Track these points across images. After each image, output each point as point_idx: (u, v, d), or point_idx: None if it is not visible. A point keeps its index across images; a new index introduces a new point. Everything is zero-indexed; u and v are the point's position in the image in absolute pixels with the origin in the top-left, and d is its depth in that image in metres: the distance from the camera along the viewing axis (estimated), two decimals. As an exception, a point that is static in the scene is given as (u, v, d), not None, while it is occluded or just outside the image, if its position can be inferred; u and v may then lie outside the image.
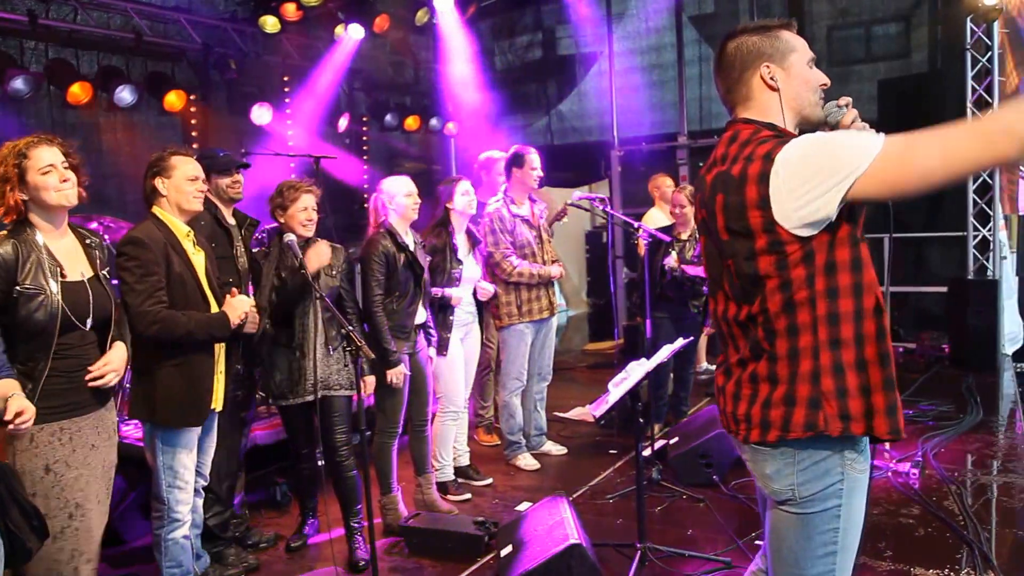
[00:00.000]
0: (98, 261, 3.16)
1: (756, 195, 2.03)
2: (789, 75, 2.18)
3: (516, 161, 5.63)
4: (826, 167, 1.94)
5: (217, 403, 3.65)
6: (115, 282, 3.28)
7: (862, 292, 2.06)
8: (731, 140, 2.19)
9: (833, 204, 1.95)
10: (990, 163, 1.94)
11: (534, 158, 5.60)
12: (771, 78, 2.18)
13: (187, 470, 3.51)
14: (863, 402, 2.06)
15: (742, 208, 2.06)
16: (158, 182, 3.51)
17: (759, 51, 2.19)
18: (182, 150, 3.64)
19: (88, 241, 3.17)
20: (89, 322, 3.02)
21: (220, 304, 3.58)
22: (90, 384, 3.02)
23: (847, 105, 2.21)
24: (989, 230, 8.29)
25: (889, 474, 5.11)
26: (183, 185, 3.52)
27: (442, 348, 5.06)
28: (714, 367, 8.12)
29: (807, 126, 2.23)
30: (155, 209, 3.53)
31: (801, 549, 2.18)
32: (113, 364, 3.09)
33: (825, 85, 2.21)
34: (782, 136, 2.12)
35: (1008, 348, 8.18)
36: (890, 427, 2.06)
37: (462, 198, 5.07)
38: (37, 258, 2.92)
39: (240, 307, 3.57)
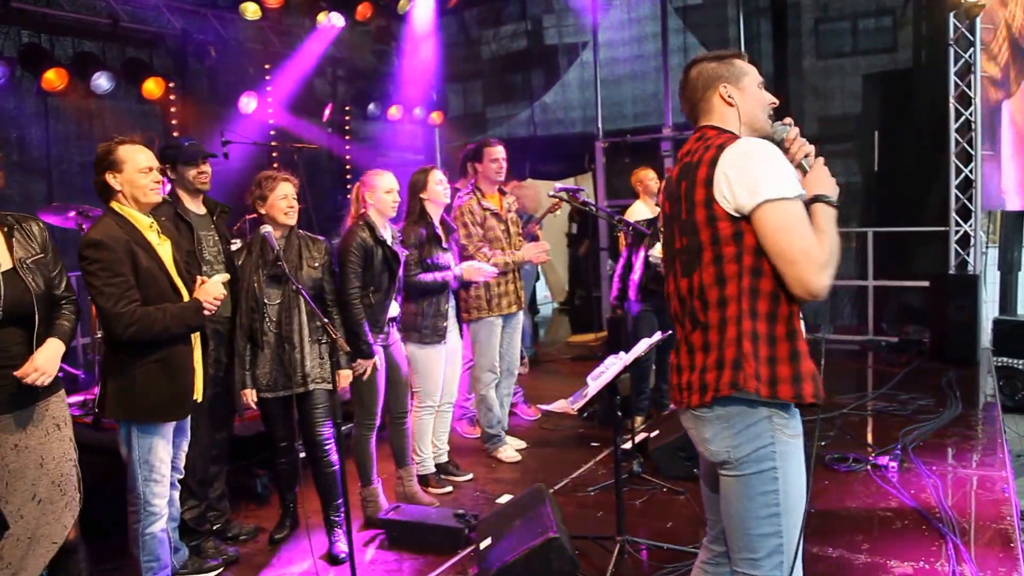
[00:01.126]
0: (21, 248, 3.05)
1: (704, 175, 2.37)
2: (744, 94, 2.54)
3: (474, 155, 5.60)
4: (749, 180, 2.27)
5: (198, 394, 3.60)
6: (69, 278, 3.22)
7: (777, 277, 2.31)
8: (698, 139, 2.52)
9: (744, 211, 2.29)
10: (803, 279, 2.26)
11: (494, 150, 5.53)
12: (729, 96, 2.53)
13: (163, 463, 3.47)
14: (769, 370, 2.32)
15: (693, 187, 2.40)
16: (109, 178, 3.35)
17: (717, 74, 2.54)
18: (129, 139, 3.42)
19: (6, 229, 3.04)
20: None
21: (191, 293, 3.51)
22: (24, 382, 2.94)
23: (790, 124, 2.57)
24: (970, 225, 8.32)
25: (868, 467, 5.12)
26: (136, 178, 3.35)
27: (438, 336, 5.02)
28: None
29: (757, 136, 2.53)
30: (113, 204, 3.39)
31: (745, 510, 2.39)
32: (39, 365, 2.98)
33: (773, 104, 2.57)
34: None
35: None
36: (794, 393, 2.31)
37: (436, 187, 5.02)
38: None
39: (212, 291, 3.49)
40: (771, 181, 2.25)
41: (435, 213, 5.06)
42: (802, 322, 2.38)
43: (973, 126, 8.19)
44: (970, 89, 8.19)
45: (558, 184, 5.95)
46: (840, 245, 2.31)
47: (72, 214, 5.56)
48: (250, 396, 4.15)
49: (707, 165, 2.36)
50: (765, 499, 2.36)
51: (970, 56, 8.18)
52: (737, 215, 2.30)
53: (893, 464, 5.09)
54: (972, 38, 8.16)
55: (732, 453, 2.38)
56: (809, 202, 2.35)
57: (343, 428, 4.36)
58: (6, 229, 3.05)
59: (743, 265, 2.32)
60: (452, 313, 5.23)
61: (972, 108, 8.16)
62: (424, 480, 5.14)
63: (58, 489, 3.09)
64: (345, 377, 4.33)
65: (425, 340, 4.98)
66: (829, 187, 2.40)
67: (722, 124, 2.52)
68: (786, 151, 2.47)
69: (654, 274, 5.91)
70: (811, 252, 2.22)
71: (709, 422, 2.42)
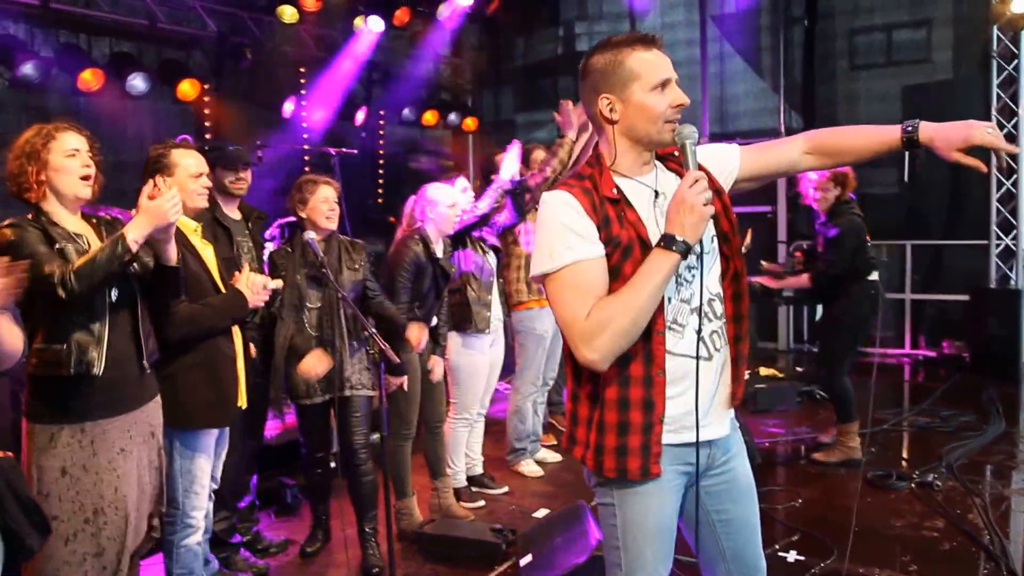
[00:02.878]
0: None
1: None
2: (628, 107, 2.12)
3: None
4: (541, 247, 2.14)
5: (242, 400, 3.57)
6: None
7: None
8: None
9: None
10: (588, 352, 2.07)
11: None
12: (610, 110, 2.14)
13: (204, 474, 3.43)
14: (585, 433, 2.24)
15: None
16: (159, 181, 3.30)
17: (601, 81, 2.13)
18: (183, 144, 3.46)
19: (95, 220, 3.04)
20: None
21: None
22: None
23: (694, 130, 2.12)
24: (1013, 239, 8.17)
25: (912, 486, 5.01)
26: (186, 183, 3.35)
27: (479, 323, 4.93)
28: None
29: (654, 147, 2.19)
30: None
31: (603, 535, 2.35)
32: None
33: (680, 105, 2.11)
34: (578, 176, 2.19)
35: None
36: (594, 462, 2.21)
37: (461, 195, 4.93)
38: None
39: (256, 283, 3.48)
40: (539, 254, 2.13)
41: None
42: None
43: (1017, 138, 8.06)
44: (1014, 102, 8.07)
45: None
46: (644, 307, 2.01)
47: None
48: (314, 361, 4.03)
49: None
50: (607, 531, 2.30)
51: (1014, 68, 8.05)
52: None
53: (938, 483, 4.98)
54: (1016, 50, 8.04)
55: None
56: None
57: (372, 437, 4.31)
58: (95, 221, 3.03)
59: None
60: (496, 324, 5.14)
61: (1016, 120, 8.03)
62: (456, 493, 5.05)
63: (148, 499, 3.06)
64: (394, 383, 4.25)
65: (468, 331, 4.90)
66: (676, 222, 2.00)
67: (603, 145, 2.21)
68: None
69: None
70: (569, 326, 2.07)
71: None
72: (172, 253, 2.99)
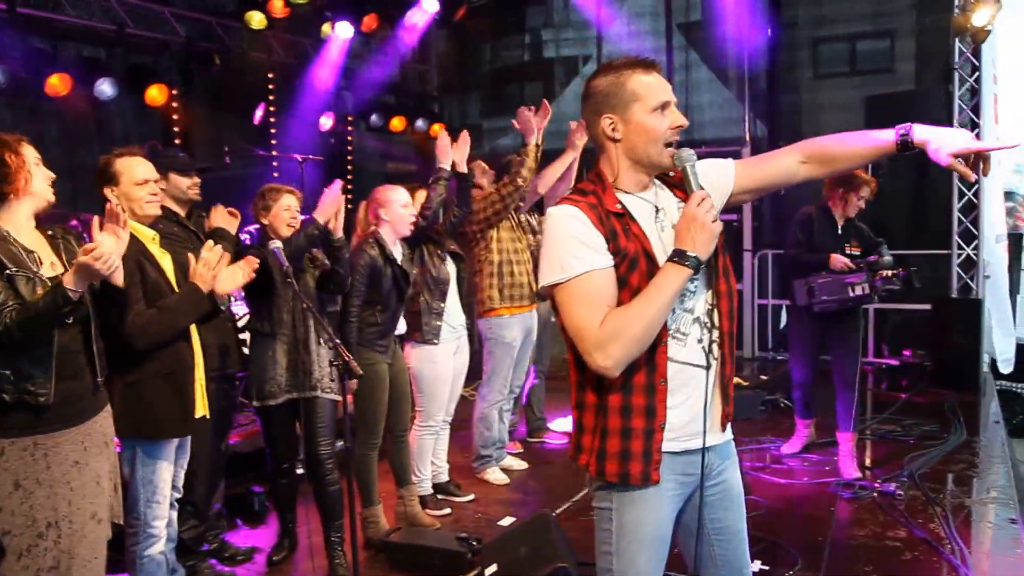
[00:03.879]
0: (69, 257, 2.97)
1: None
2: (630, 127, 2.23)
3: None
4: (542, 259, 2.23)
5: (204, 409, 3.56)
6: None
7: None
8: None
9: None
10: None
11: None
12: (612, 130, 2.24)
13: (166, 484, 3.41)
14: (591, 440, 2.31)
15: None
16: (107, 192, 3.34)
17: (602, 104, 2.24)
18: (128, 151, 3.43)
19: (51, 233, 2.97)
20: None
21: None
22: None
23: (691, 161, 2.21)
24: (974, 249, 8.31)
25: (875, 495, 5.07)
26: (132, 191, 3.35)
27: (429, 334, 4.89)
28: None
29: (655, 170, 2.29)
30: None
31: (596, 539, 2.39)
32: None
33: (678, 127, 2.23)
34: (581, 192, 2.26)
35: (1003, 368, 8.24)
36: (596, 469, 2.29)
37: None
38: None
39: (207, 265, 3.37)
40: (548, 263, 2.19)
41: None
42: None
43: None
44: (975, 113, 8.21)
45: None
46: (657, 317, 2.11)
47: (74, 223, 5.48)
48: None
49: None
50: (601, 535, 2.35)
51: (976, 80, 8.19)
52: None
53: (900, 492, 5.05)
54: (977, 62, 8.18)
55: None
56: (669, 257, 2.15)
57: (338, 444, 4.31)
58: (51, 233, 2.98)
59: (568, 336, 2.24)
60: (460, 331, 5.13)
61: (978, 131, 8.17)
62: (422, 501, 5.05)
63: (109, 511, 3.01)
64: (351, 386, 4.22)
65: (424, 342, 4.88)
66: (686, 239, 2.12)
67: (604, 164, 2.31)
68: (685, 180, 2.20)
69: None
70: (583, 333, 2.14)
71: None
72: (119, 278, 2.95)
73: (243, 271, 3.55)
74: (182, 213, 4.18)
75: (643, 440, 2.20)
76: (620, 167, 2.27)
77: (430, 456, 5.15)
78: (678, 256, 2.11)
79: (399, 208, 4.56)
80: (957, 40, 8.20)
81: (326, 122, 8.80)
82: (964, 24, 7.90)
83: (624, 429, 2.21)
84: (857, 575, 4.08)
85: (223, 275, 3.46)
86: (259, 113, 7.85)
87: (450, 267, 5.05)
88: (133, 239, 3.25)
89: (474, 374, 5.65)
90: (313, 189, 6.47)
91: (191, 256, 3.45)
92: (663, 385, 2.20)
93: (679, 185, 2.28)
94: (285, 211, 4.14)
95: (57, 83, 6.42)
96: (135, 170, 3.37)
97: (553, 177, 5.65)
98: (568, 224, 2.17)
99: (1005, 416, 7.62)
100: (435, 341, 4.90)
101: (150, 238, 3.43)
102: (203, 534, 4.23)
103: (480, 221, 5.34)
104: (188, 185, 4.13)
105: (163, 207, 3.64)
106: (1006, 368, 8.32)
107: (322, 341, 4.12)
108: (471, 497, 5.32)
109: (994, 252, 8.40)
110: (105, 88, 6.73)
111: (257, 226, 4.42)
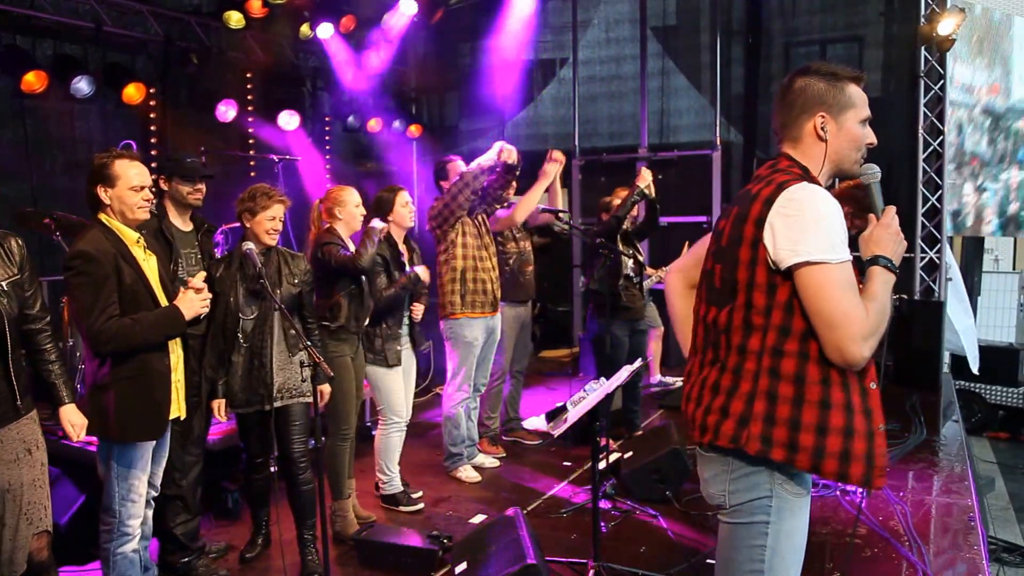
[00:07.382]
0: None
1: (757, 213, 2.18)
2: (840, 131, 2.29)
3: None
4: (793, 235, 2.10)
5: (180, 411, 3.59)
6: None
7: (809, 339, 2.14)
8: (770, 167, 2.32)
9: (781, 265, 2.13)
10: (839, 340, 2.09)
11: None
12: (823, 128, 2.28)
13: (141, 483, 3.45)
14: (788, 434, 2.15)
15: (744, 220, 2.21)
16: (100, 191, 3.34)
17: (820, 100, 2.28)
18: (127, 154, 3.41)
19: None
20: None
21: None
22: None
23: (877, 171, 2.34)
24: (936, 252, 8.48)
25: (836, 492, 5.18)
26: (126, 196, 3.34)
27: (391, 359, 4.95)
28: (669, 379, 8.21)
29: (841, 176, 2.42)
30: (101, 216, 3.37)
31: (731, 560, 2.31)
32: (75, 426, 3.11)
33: (871, 144, 2.32)
34: (806, 178, 2.23)
35: (974, 367, 8.41)
36: (812, 465, 2.15)
37: (402, 209, 5.04)
38: None
39: (197, 300, 3.44)
40: (816, 241, 2.08)
41: (398, 235, 5.09)
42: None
43: (942, 156, 8.38)
44: (940, 121, 8.37)
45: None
46: (889, 312, 2.14)
47: (46, 221, 5.46)
48: (219, 407, 4.10)
49: (762, 203, 2.17)
50: (749, 553, 2.26)
51: (940, 88, 8.36)
52: (774, 267, 2.14)
53: (861, 490, 5.16)
54: (942, 71, 8.35)
55: (727, 499, 2.29)
56: (867, 262, 2.21)
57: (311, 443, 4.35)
58: None
59: (770, 321, 2.16)
60: (407, 334, 5.17)
61: (942, 138, 8.34)
62: (393, 500, 5.11)
63: (25, 518, 3.03)
64: (326, 393, 4.29)
65: (378, 363, 4.92)
66: (890, 248, 2.21)
67: (802, 158, 2.30)
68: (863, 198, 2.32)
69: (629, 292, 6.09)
70: (852, 320, 2.05)
71: (711, 462, 2.33)
72: None
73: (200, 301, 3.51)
74: (182, 217, 4.22)
75: (865, 442, 2.15)
76: (823, 167, 2.30)
77: (398, 454, 5.14)
78: (890, 264, 2.19)
79: (352, 208, 4.65)
80: (923, 49, 8.35)
81: (301, 122, 8.81)
82: (929, 33, 8.07)
83: (847, 428, 2.14)
84: (817, 572, 4.14)
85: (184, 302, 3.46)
86: (232, 112, 7.83)
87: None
88: (115, 240, 3.30)
89: (440, 376, 5.69)
90: (290, 190, 6.50)
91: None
92: (875, 388, 2.21)
93: None
94: (269, 220, 4.14)
95: (33, 80, 6.41)
96: (131, 174, 3.36)
97: (530, 207, 5.77)
98: (835, 207, 2.14)
99: (963, 415, 7.81)
100: (396, 365, 4.97)
101: (134, 240, 3.43)
102: (197, 527, 4.27)
103: (433, 218, 5.50)
104: (189, 191, 4.15)
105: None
106: (976, 367, 8.50)
107: (288, 347, 4.19)
108: (420, 494, 5.29)
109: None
110: (82, 86, 6.71)
111: (233, 226, 4.44)
